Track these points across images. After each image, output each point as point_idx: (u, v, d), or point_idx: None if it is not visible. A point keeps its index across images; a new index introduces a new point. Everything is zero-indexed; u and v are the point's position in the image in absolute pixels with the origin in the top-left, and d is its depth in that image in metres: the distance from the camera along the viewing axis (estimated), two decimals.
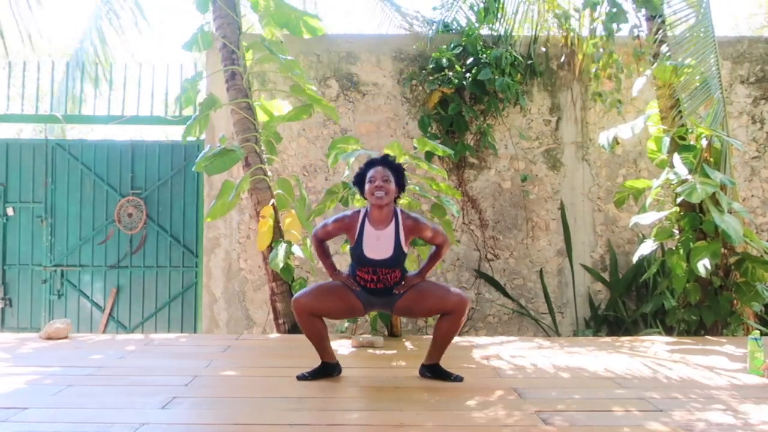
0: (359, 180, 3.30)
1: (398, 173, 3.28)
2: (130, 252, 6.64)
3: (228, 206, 4.93)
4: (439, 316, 3.31)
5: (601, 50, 5.14)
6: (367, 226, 3.25)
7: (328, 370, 3.36)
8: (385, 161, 3.28)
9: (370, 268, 3.25)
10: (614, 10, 4.81)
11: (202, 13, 5.18)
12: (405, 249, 3.26)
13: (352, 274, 3.34)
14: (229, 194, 4.86)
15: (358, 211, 3.32)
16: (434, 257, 3.38)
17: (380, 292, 3.31)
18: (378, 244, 3.22)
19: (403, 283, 3.30)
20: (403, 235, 3.24)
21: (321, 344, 3.35)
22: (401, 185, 3.30)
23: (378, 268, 3.24)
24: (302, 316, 3.26)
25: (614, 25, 4.90)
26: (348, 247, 3.41)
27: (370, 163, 3.29)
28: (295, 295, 3.30)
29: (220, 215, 5.03)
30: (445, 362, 3.44)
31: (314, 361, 3.41)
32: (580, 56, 5.88)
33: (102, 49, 6.71)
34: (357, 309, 3.35)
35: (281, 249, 4.81)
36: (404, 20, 6.92)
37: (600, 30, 5.08)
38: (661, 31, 5.01)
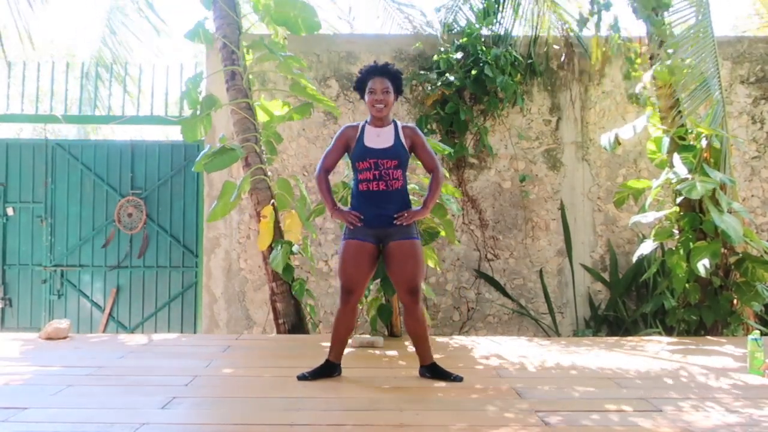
0: (360, 86, 3.39)
1: (397, 81, 3.38)
2: (130, 253, 6.64)
3: (229, 207, 4.92)
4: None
5: (628, 51, 5.06)
6: (368, 127, 3.36)
7: (329, 370, 3.37)
8: (385, 70, 3.35)
9: (371, 161, 3.26)
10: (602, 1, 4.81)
11: (207, 9, 5.18)
12: (405, 146, 3.33)
13: (354, 186, 3.36)
14: (230, 195, 4.86)
15: (358, 123, 3.44)
16: (432, 187, 3.41)
17: (381, 201, 3.25)
18: (378, 138, 3.31)
19: (405, 214, 3.27)
20: (402, 136, 3.34)
21: (340, 343, 3.38)
22: (399, 91, 3.41)
23: (379, 160, 3.25)
24: (352, 307, 3.30)
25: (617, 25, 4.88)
26: (349, 161, 3.45)
27: (371, 71, 3.36)
28: (341, 294, 3.30)
29: (221, 216, 5.03)
30: (445, 362, 3.44)
31: (314, 361, 3.42)
32: (596, 54, 5.76)
33: (116, 49, 6.72)
34: (374, 251, 3.32)
35: (281, 249, 4.81)
36: (406, 19, 6.92)
37: (604, 30, 5.06)
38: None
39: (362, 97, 3.40)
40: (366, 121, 3.40)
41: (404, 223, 3.27)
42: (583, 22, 5.47)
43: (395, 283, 3.35)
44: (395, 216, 3.26)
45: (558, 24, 6.43)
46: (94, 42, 7.37)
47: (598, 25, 5.06)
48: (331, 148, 3.44)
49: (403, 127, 3.38)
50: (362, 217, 3.27)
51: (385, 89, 3.30)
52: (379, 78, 3.32)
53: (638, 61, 5.15)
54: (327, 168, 3.44)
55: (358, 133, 3.35)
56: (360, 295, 3.35)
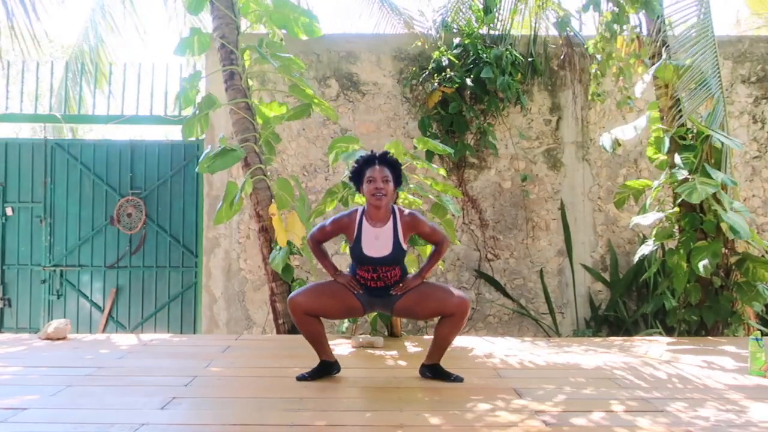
0: (356, 176, 3.29)
1: (396, 170, 3.29)
2: (129, 252, 6.63)
3: (233, 209, 4.91)
4: (440, 317, 3.30)
5: (602, 51, 5.06)
6: (365, 224, 3.26)
7: (327, 369, 3.35)
8: (384, 159, 3.27)
9: (370, 266, 3.25)
10: (616, 9, 4.77)
11: (193, 15, 5.18)
12: (404, 246, 3.27)
13: (352, 272, 3.34)
14: (233, 196, 4.85)
15: (356, 210, 3.33)
16: (434, 256, 3.37)
17: (381, 291, 3.30)
18: (377, 242, 3.22)
19: (401, 285, 3.28)
20: (402, 232, 3.25)
21: (318, 343, 3.34)
22: (399, 182, 3.32)
23: (378, 266, 3.24)
24: (297, 315, 3.25)
25: (615, 26, 4.87)
26: (348, 247, 3.41)
27: (369, 161, 3.27)
28: (291, 294, 3.30)
29: (227, 219, 5.00)
30: (445, 362, 3.43)
31: (314, 361, 3.41)
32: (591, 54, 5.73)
33: (100, 47, 6.72)
34: (356, 310, 3.35)
35: (281, 249, 4.80)
36: (401, 20, 6.91)
37: (601, 30, 5.03)
38: (661, 31, 5.00)
39: (358, 189, 3.30)
40: (364, 210, 3.30)
41: (399, 294, 3.27)
42: (563, 24, 5.46)
43: (445, 315, 3.21)
44: (392, 289, 3.28)
45: (555, 23, 6.41)
46: (92, 40, 7.38)
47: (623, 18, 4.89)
48: (325, 227, 3.37)
49: (402, 219, 3.25)
50: (362, 283, 3.30)
51: (384, 178, 3.19)
52: (378, 167, 3.22)
53: (612, 57, 5.10)
54: (318, 241, 3.41)
55: (356, 230, 3.25)
56: (299, 316, 3.25)
